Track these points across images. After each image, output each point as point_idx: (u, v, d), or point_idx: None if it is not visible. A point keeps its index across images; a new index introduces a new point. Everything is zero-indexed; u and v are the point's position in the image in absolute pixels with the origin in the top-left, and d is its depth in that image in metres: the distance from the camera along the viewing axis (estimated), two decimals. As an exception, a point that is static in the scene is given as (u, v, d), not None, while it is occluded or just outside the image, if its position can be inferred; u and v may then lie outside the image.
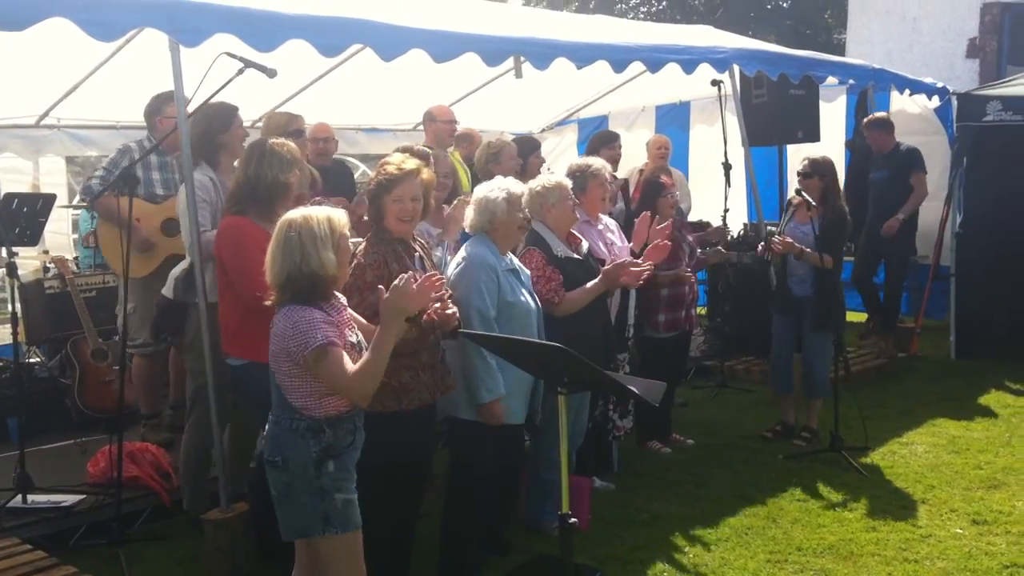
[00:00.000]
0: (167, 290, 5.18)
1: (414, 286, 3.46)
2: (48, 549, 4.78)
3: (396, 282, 3.45)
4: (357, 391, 3.39)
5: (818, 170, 6.55)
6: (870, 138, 8.91)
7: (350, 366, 3.35)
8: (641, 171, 8.65)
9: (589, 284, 5.06)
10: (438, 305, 3.99)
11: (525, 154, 7.02)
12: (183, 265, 5.13)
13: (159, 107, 6.18)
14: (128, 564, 4.74)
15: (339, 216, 3.50)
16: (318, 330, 3.32)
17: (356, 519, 3.52)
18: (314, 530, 3.46)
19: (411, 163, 4.25)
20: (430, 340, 4.17)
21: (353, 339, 3.50)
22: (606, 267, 5.14)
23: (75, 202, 7.14)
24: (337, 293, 3.57)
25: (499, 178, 4.74)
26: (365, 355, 3.40)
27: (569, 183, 5.22)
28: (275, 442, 3.48)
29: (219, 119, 5.07)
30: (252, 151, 4.67)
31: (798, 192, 6.47)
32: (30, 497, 5.21)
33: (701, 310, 8.95)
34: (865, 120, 9.01)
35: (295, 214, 3.47)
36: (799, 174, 6.58)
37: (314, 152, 6.94)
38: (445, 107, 7.46)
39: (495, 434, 4.51)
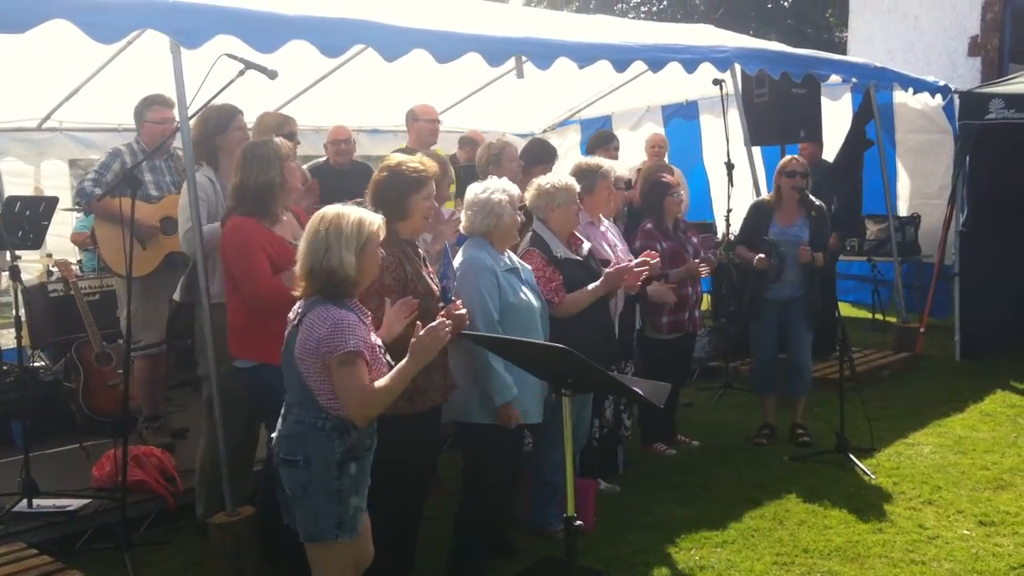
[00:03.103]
0: (176, 294, 5.20)
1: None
2: (54, 553, 4.76)
3: (432, 324, 3.44)
4: (362, 409, 3.37)
5: (805, 170, 6.62)
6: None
7: (367, 383, 3.35)
8: (639, 170, 8.62)
9: (590, 286, 5.03)
10: (450, 305, 4.00)
11: (534, 160, 6.78)
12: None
13: (141, 112, 6.17)
14: (133, 568, 4.74)
15: (372, 220, 3.48)
16: (352, 336, 3.32)
17: (358, 529, 3.51)
18: (328, 535, 3.43)
19: (429, 162, 4.29)
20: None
21: (378, 342, 3.52)
22: (608, 270, 5.11)
23: (71, 206, 7.13)
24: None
25: (493, 179, 4.69)
26: (385, 379, 3.39)
27: (578, 187, 5.17)
28: (296, 440, 3.43)
29: (216, 122, 5.04)
30: (238, 156, 4.66)
31: (801, 191, 6.46)
32: (35, 501, 5.20)
33: (704, 302, 8.91)
34: None
35: (331, 210, 3.47)
36: (796, 175, 6.52)
37: (334, 153, 6.90)
38: (428, 106, 7.34)
39: (506, 436, 4.51)
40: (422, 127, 7.18)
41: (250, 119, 8.55)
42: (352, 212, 3.46)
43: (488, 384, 4.39)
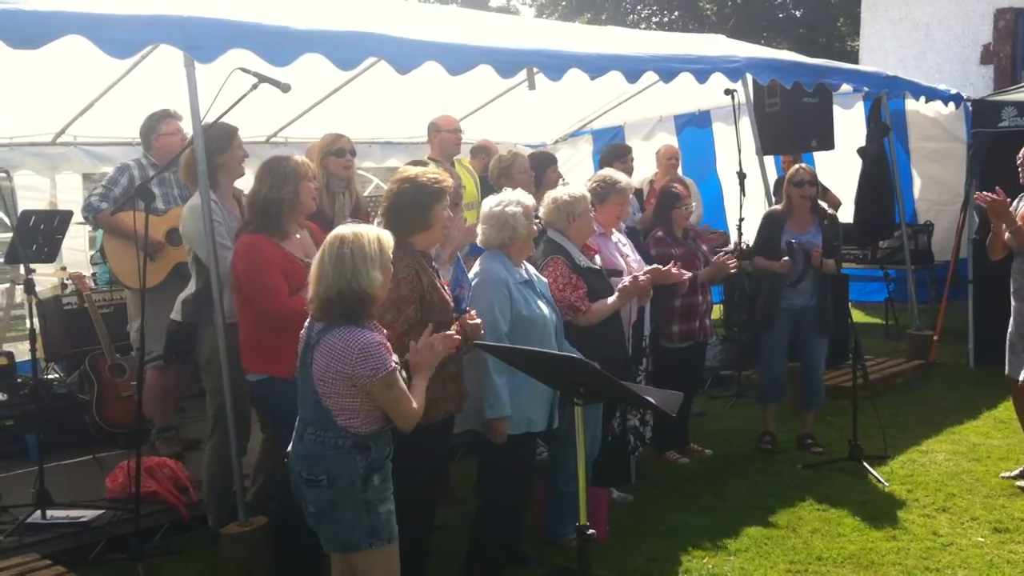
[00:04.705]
0: (175, 314, 5.20)
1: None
2: (67, 564, 4.79)
3: (429, 338, 3.61)
4: (410, 419, 3.50)
5: (814, 178, 6.65)
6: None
7: (409, 395, 3.48)
8: (652, 181, 8.65)
9: (610, 300, 5.09)
10: (464, 316, 4.01)
11: (542, 168, 6.94)
12: (190, 289, 5.15)
13: (154, 125, 6.20)
14: (147, 578, 4.76)
15: (387, 236, 3.54)
16: (385, 356, 3.38)
17: (396, 530, 3.55)
18: (362, 544, 3.46)
19: (443, 172, 4.35)
20: (462, 352, 4.17)
21: (395, 357, 3.54)
22: (622, 284, 5.14)
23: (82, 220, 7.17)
24: None
25: (507, 191, 4.71)
26: (417, 392, 3.54)
27: (589, 196, 5.21)
28: (316, 460, 3.45)
29: (216, 141, 5.00)
30: (258, 169, 4.71)
31: (814, 200, 6.48)
32: (49, 512, 5.22)
33: (716, 311, 8.91)
34: None
35: (346, 230, 3.48)
36: (806, 183, 6.52)
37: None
38: (449, 116, 7.34)
39: (520, 445, 4.51)
40: (445, 138, 7.17)
41: (263, 133, 8.70)
42: (368, 230, 3.50)
43: (483, 396, 4.38)
